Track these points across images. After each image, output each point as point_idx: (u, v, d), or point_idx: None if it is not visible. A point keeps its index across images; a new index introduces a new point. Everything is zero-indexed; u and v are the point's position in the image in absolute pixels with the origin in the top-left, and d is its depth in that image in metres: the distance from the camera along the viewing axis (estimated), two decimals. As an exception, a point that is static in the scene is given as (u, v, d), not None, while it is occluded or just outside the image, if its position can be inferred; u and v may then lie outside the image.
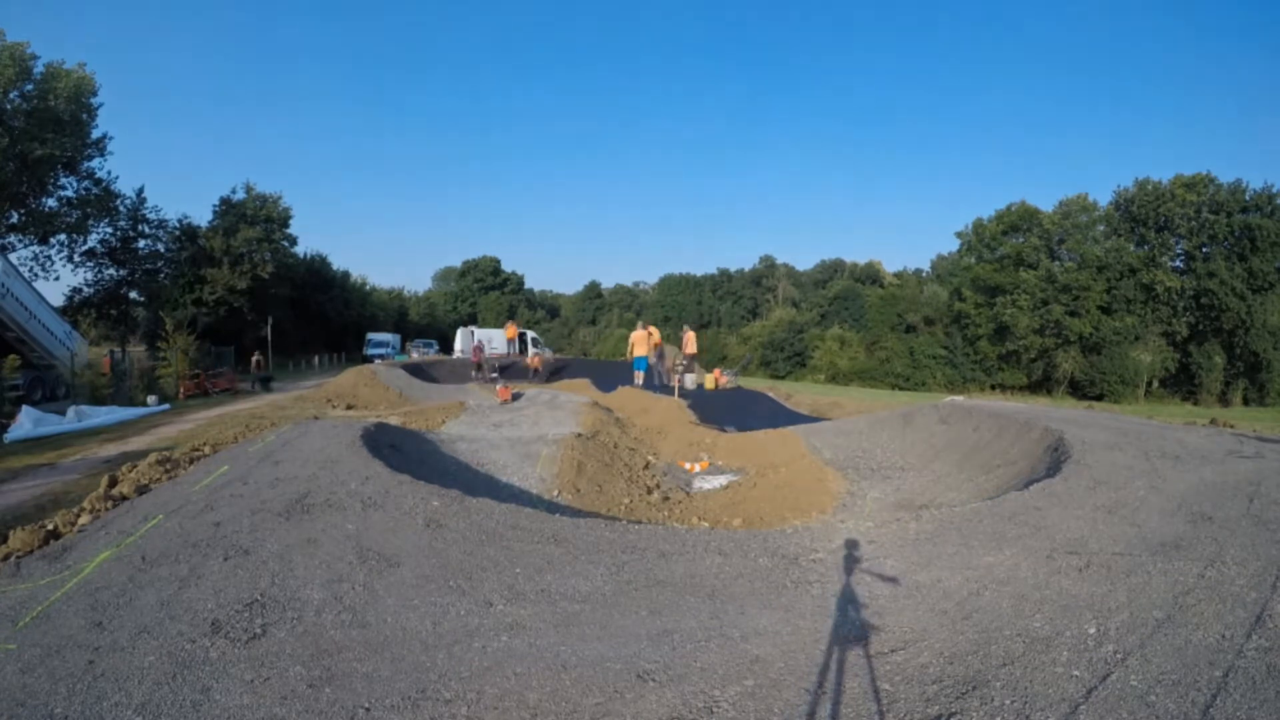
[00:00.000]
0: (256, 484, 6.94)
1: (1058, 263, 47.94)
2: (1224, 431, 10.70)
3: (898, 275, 79.04)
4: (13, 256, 25.21)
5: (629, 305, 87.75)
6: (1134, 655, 3.25)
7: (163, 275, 35.74)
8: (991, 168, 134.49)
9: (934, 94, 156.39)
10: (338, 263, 67.35)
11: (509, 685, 3.23)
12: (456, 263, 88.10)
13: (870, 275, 79.34)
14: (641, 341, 21.77)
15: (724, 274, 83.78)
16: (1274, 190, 44.12)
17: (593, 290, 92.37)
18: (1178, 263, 46.86)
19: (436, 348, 42.39)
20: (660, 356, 23.36)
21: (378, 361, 29.66)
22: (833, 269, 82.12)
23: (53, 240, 31.47)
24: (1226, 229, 43.99)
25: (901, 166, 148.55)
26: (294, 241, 41.25)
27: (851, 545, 5.31)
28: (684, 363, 21.42)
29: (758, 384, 33.17)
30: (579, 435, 11.95)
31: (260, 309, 36.19)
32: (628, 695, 3.11)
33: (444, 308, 78.94)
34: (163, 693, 3.26)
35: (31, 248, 30.36)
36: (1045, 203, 55.63)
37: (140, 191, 35.49)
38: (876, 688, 3.10)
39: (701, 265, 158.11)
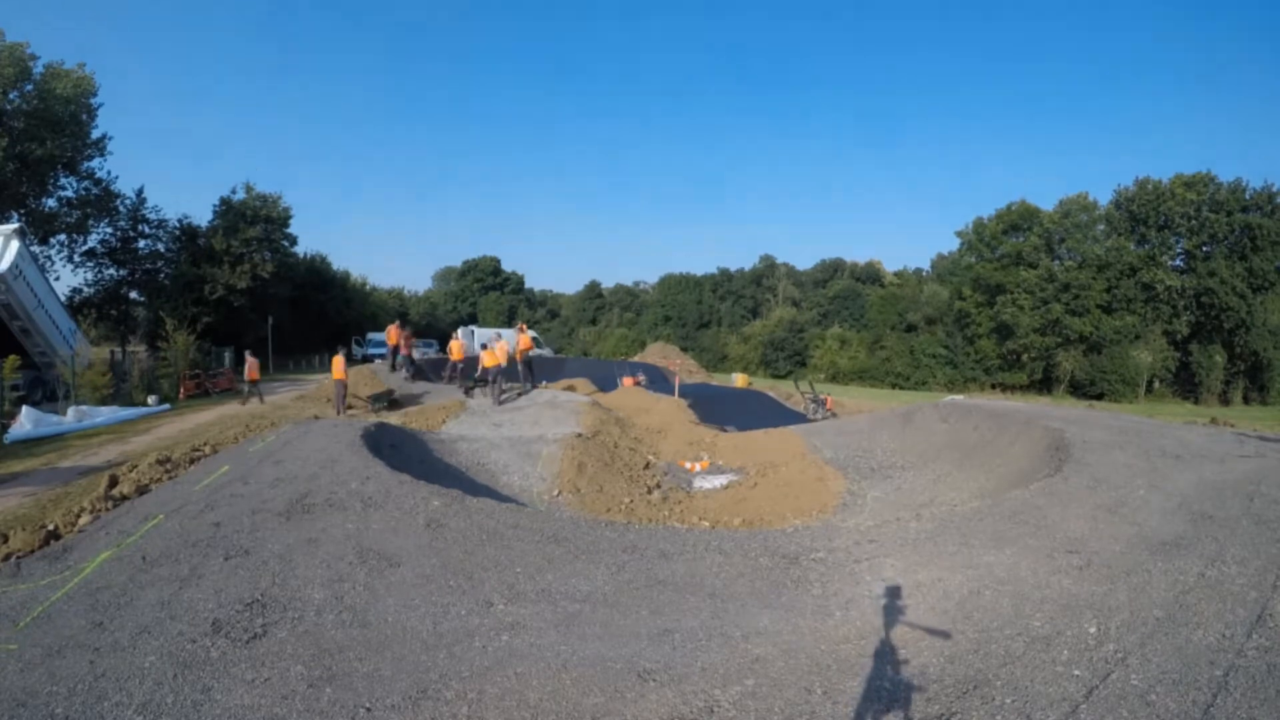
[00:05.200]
0: (257, 484, 6.94)
1: (1058, 262, 47.93)
2: (1224, 431, 10.70)
3: (898, 275, 79.00)
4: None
5: (629, 305, 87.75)
6: (1134, 654, 3.25)
7: (163, 275, 35.74)
8: (992, 166, 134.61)
9: (934, 93, 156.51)
10: (338, 263, 67.37)
11: (510, 685, 3.23)
12: (457, 263, 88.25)
13: (870, 275, 79.31)
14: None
15: (724, 273, 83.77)
16: (1274, 189, 44.14)
17: (593, 290, 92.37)
18: (1178, 262, 46.86)
19: (436, 347, 42.44)
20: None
21: (378, 361, 29.61)
22: (833, 268, 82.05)
23: (53, 240, 31.47)
24: (1227, 228, 43.98)
25: (901, 165, 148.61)
26: (294, 241, 41.26)
27: (852, 545, 5.31)
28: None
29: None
30: (579, 435, 11.95)
31: (260, 309, 36.15)
32: (628, 695, 3.11)
33: (444, 308, 78.99)
34: (163, 692, 3.26)
35: (32, 248, 30.34)
36: (1046, 202, 55.65)
37: (140, 191, 35.54)
38: (878, 687, 3.09)
39: (702, 265, 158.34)
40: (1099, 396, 43.20)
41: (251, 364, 18.33)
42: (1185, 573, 4.22)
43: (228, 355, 25.90)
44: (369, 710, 3.06)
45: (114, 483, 7.51)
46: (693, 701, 3.03)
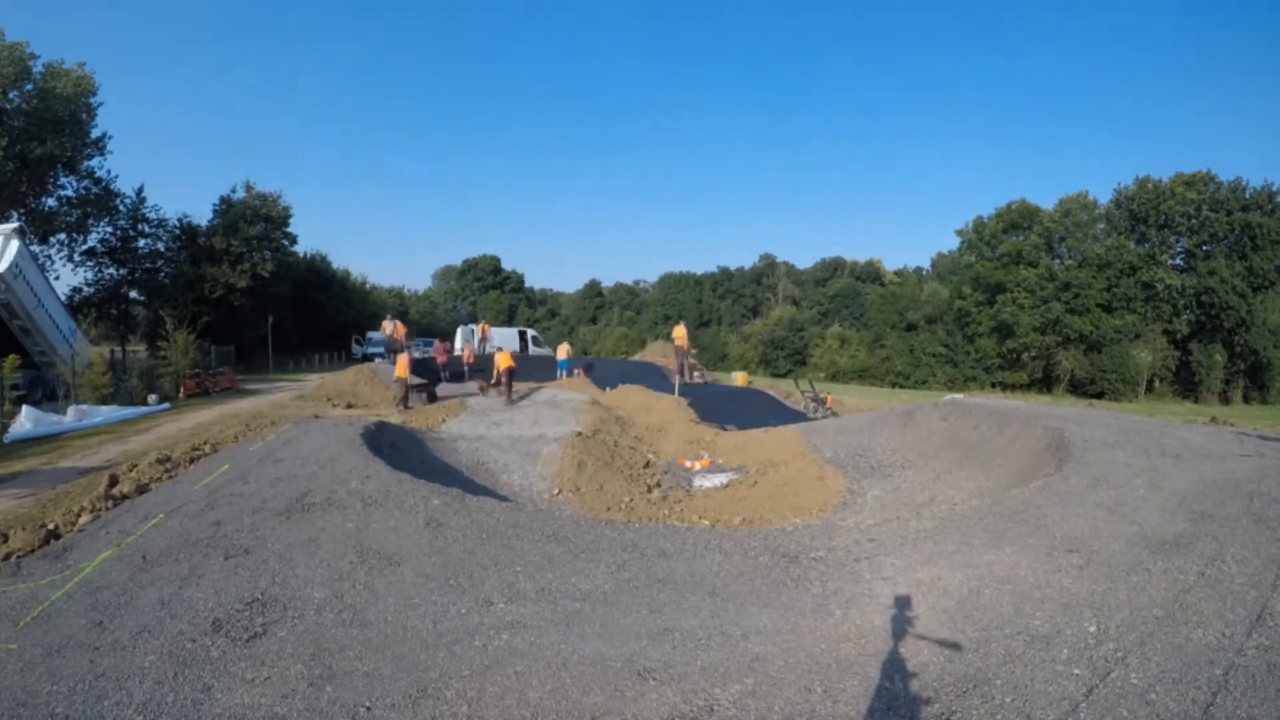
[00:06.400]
0: (257, 483, 6.94)
1: (1058, 261, 47.92)
2: (1224, 430, 10.71)
3: (898, 273, 79.04)
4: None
5: (629, 304, 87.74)
6: (1134, 653, 3.25)
7: (163, 274, 35.73)
8: (992, 165, 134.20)
9: (934, 92, 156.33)
10: (338, 261, 67.46)
11: (510, 683, 3.23)
12: (457, 261, 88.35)
13: (870, 273, 79.33)
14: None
15: (724, 272, 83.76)
16: (1274, 188, 44.12)
17: (593, 289, 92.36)
18: (1178, 261, 46.85)
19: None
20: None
21: (377, 360, 29.63)
22: (833, 267, 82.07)
23: (53, 240, 31.42)
24: (1227, 227, 43.98)
25: (901, 164, 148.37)
26: (294, 240, 41.14)
27: (852, 544, 5.31)
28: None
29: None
30: (579, 434, 11.96)
31: (260, 308, 36.17)
32: (628, 694, 3.11)
33: (444, 307, 79.03)
34: (164, 692, 3.26)
35: (32, 247, 30.29)
36: (1046, 200, 55.68)
37: (140, 191, 35.50)
38: (877, 686, 3.09)
39: (702, 263, 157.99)
40: (1099, 395, 43.18)
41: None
42: (1185, 572, 4.22)
43: (231, 352, 25.75)
44: (369, 709, 3.06)
45: (114, 482, 7.51)
46: (693, 700, 3.03)
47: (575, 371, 24.70)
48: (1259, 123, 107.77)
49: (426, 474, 7.79)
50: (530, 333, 37.11)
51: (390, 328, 25.80)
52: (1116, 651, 3.27)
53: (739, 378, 29.85)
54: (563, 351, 26.69)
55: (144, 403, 17.07)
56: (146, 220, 35.70)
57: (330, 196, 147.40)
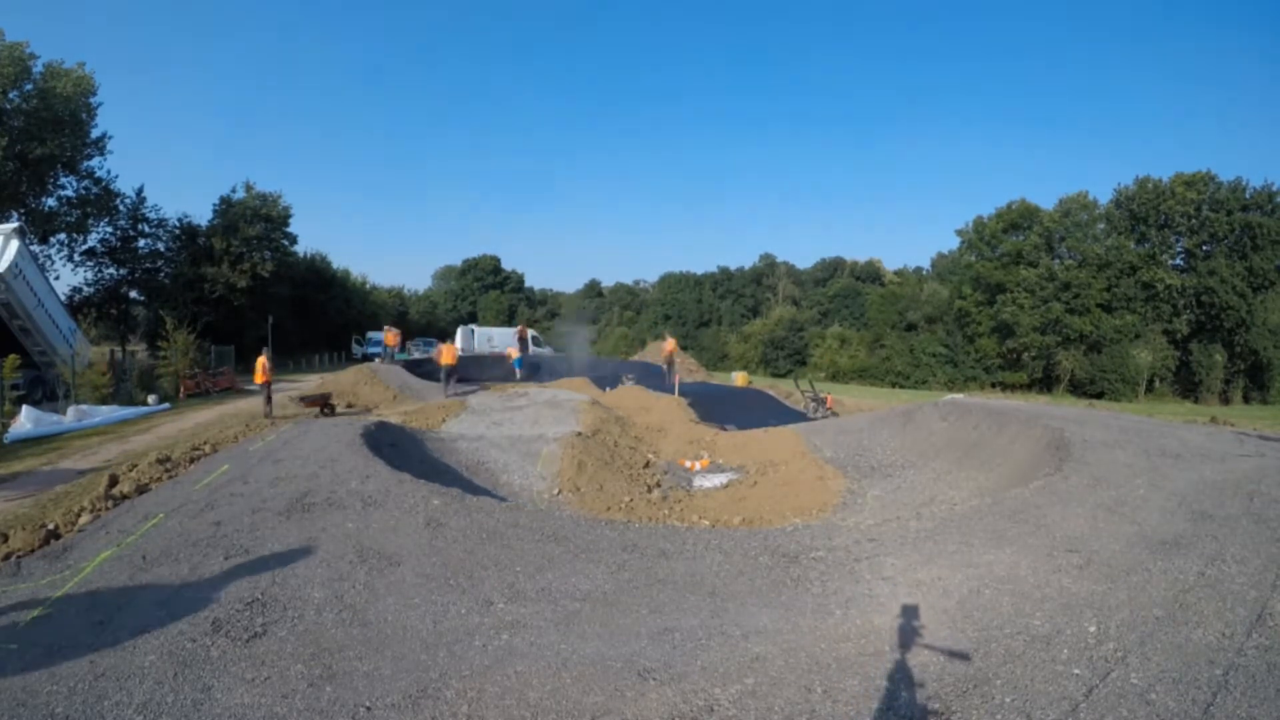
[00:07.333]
0: (257, 483, 6.95)
1: (1058, 261, 47.92)
2: (1224, 430, 10.71)
3: (898, 273, 79.04)
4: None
5: (629, 304, 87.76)
6: (1134, 653, 3.25)
7: (163, 274, 35.77)
8: (992, 166, 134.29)
9: (934, 92, 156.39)
10: (337, 261, 67.53)
11: (510, 683, 3.23)
12: (457, 261, 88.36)
13: (870, 274, 79.36)
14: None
15: (724, 272, 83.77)
16: (1274, 188, 44.12)
17: (593, 289, 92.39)
18: (1178, 261, 46.86)
19: (437, 346, 42.59)
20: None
21: (377, 360, 29.63)
22: (833, 267, 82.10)
23: (53, 240, 31.44)
24: (1227, 227, 43.98)
25: (902, 164, 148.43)
26: (294, 240, 41.16)
27: (852, 544, 5.31)
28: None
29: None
30: (579, 434, 11.95)
31: (260, 308, 36.21)
32: (628, 694, 3.11)
33: (444, 306, 79.02)
34: (163, 692, 3.26)
35: (32, 247, 30.27)
36: (1046, 201, 55.77)
37: (140, 191, 35.56)
38: (877, 685, 3.09)
39: (702, 263, 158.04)
40: (1099, 395, 43.17)
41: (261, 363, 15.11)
42: (1185, 572, 4.22)
43: (230, 352, 25.78)
44: (369, 709, 3.06)
45: (114, 482, 7.51)
46: (693, 700, 3.03)
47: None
48: (1259, 123, 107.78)
49: (426, 474, 7.79)
50: (530, 333, 37.31)
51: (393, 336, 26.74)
52: (1116, 651, 3.28)
53: (739, 378, 29.86)
54: (514, 351, 27.81)
55: (144, 403, 17.07)
56: (146, 220, 35.77)
57: (330, 196, 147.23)
